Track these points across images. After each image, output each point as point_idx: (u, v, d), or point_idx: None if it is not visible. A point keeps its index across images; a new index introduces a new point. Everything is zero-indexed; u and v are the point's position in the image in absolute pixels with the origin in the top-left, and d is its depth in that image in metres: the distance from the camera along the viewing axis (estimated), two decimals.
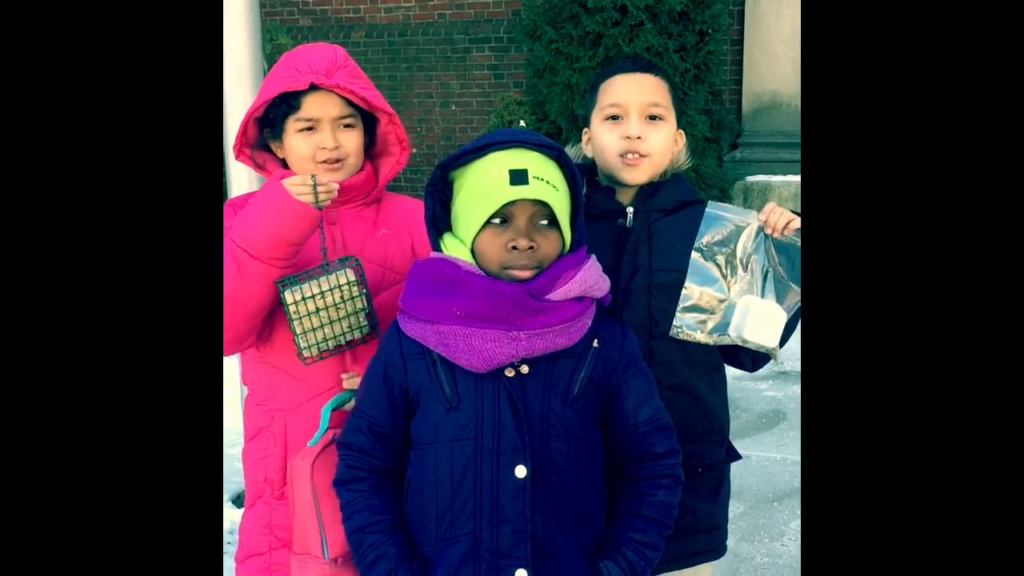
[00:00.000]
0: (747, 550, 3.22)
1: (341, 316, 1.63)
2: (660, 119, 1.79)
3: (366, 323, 1.66)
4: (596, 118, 1.83)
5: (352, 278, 1.62)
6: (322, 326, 1.62)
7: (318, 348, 1.64)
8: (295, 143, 1.73)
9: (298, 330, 1.61)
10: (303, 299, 1.60)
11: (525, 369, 1.48)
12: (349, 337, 1.66)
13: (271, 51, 5.25)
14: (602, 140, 1.81)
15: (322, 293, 1.60)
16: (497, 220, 1.47)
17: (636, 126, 1.77)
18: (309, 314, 1.61)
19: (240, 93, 3.03)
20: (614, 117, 1.79)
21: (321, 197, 1.58)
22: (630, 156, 1.77)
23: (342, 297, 1.62)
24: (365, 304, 1.64)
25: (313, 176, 1.58)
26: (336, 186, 1.62)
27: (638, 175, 1.79)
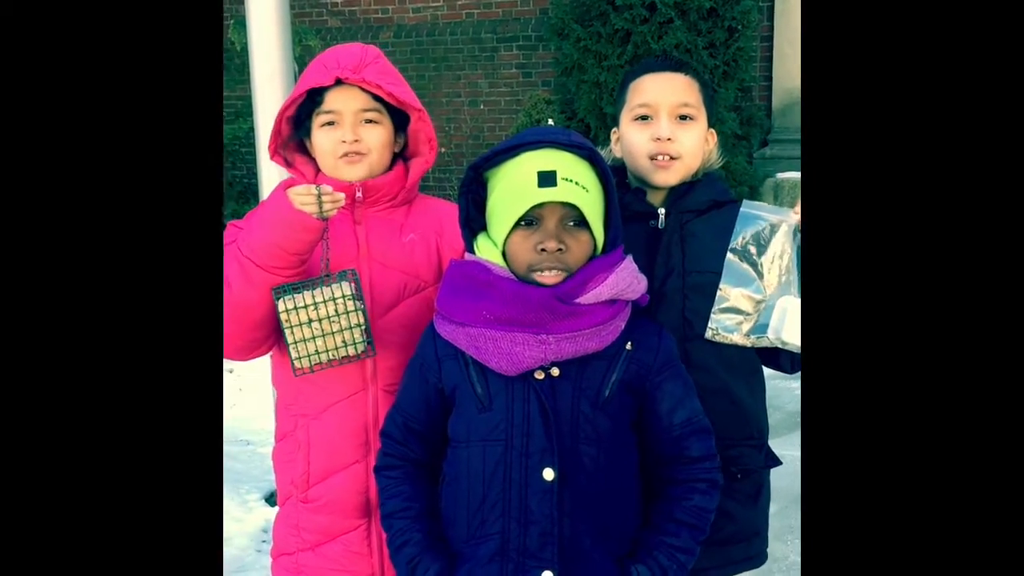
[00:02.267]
0: (780, 550, 3.19)
1: (335, 330, 1.59)
2: (691, 119, 1.76)
3: (363, 340, 1.62)
4: (625, 118, 1.80)
5: (348, 292, 1.59)
6: (315, 338, 1.59)
7: (310, 360, 1.61)
8: (319, 139, 1.73)
9: (289, 339, 1.59)
10: (295, 308, 1.57)
11: (555, 372, 1.47)
12: (343, 353, 1.62)
13: (300, 53, 5.28)
14: (631, 141, 1.77)
15: (315, 304, 1.57)
16: (526, 222, 1.47)
17: (666, 127, 1.73)
18: (301, 324, 1.58)
19: (272, 96, 3.05)
20: (643, 117, 1.76)
21: (326, 207, 1.55)
22: (660, 158, 1.74)
23: (336, 311, 1.58)
24: (361, 320, 1.61)
25: (318, 186, 1.56)
26: (342, 196, 1.58)
27: (669, 177, 1.75)
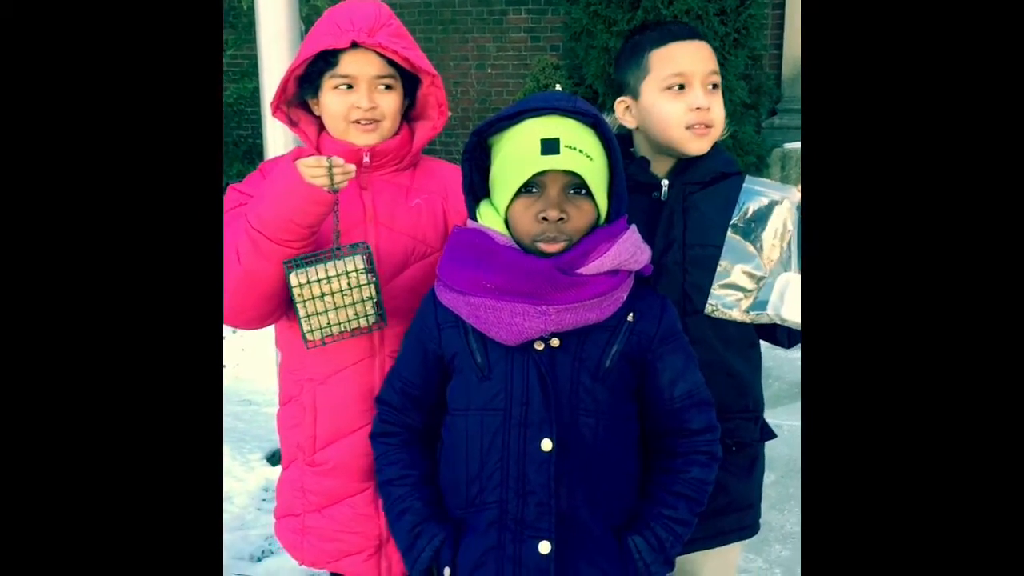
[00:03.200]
0: (777, 519, 3.23)
1: (347, 303, 1.59)
2: (718, 87, 1.76)
3: (374, 312, 1.62)
4: (652, 88, 1.75)
5: (361, 265, 1.58)
6: (327, 311, 1.59)
7: (321, 333, 1.61)
8: (330, 100, 1.70)
9: (301, 313, 1.58)
10: (308, 282, 1.57)
11: (556, 342, 1.47)
12: (354, 325, 1.62)
13: (307, 13, 5.24)
14: (664, 111, 1.74)
15: (328, 278, 1.57)
16: (529, 189, 1.46)
17: (703, 96, 1.72)
18: (314, 298, 1.57)
19: (277, 56, 3.03)
20: (678, 87, 1.73)
21: (337, 179, 1.54)
22: (698, 127, 1.73)
23: (349, 284, 1.58)
24: (373, 293, 1.60)
25: (329, 158, 1.54)
26: (353, 168, 1.57)
27: (703, 145, 1.75)
